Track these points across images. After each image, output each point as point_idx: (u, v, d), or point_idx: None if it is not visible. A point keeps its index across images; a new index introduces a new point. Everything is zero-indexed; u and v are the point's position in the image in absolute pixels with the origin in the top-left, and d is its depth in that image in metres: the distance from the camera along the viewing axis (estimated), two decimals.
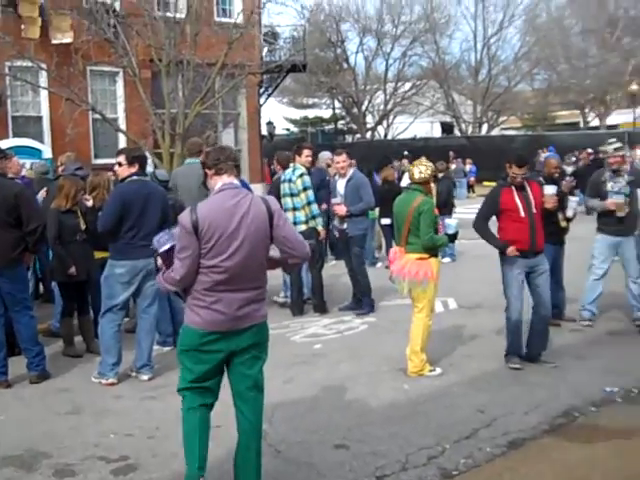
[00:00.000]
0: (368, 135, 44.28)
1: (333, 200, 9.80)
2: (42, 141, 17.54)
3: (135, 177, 7.11)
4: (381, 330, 8.94)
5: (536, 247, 7.18)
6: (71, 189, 8.06)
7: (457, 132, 46.28)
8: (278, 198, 9.60)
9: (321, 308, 9.84)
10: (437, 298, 9.62)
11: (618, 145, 8.80)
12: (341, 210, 9.62)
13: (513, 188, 7.17)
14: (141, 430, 5.85)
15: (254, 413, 4.58)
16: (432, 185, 7.27)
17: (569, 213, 8.42)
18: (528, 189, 7.19)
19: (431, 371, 7.09)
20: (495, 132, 46.98)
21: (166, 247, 4.47)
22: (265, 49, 22.51)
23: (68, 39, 17.69)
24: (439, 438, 5.52)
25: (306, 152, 9.73)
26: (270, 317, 9.56)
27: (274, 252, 4.59)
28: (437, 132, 50.55)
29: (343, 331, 9.03)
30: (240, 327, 4.45)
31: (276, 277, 10.82)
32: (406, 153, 25.59)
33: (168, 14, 16.80)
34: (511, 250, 7.09)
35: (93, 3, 16.38)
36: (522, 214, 7.10)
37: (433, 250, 7.04)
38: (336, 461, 5.18)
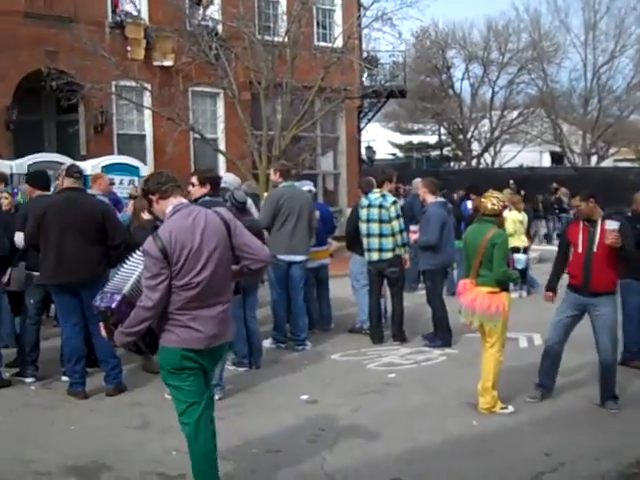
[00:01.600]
0: (474, 162, 43.76)
1: (412, 227, 9.72)
2: (144, 159, 17.84)
3: (207, 198, 7.13)
4: (460, 363, 8.68)
5: (590, 287, 6.80)
6: (137, 207, 8.43)
7: (567, 162, 45.11)
8: (356, 222, 9.56)
9: (400, 337, 9.65)
10: (522, 333, 9.44)
11: None
12: (413, 237, 9.68)
13: (580, 222, 6.95)
14: None
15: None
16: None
17: None
18: (599, 226, 6.83)
19: (503, 408, 6.83)
20: (606, 163, 45.52)
21: (117, 299, 4.52)
22: (365, 74, 22.54)
23: (169, 62, 18.11)
24: (501, 479, 5.32)
25: (395, 180, 9.84)
26: (350, 343, 9.62)
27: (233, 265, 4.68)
28: (546, 162, 49.43)
29: (420, 362, 8.84)
30: (215, 345, 4.54)
31: (354, 304, 10.73)
32: (511, 182, 25.09)
33: (267, 38, 17.12)
34: (546, 296, 7.27)
35: (196, 26, 16.88)
36: (579, 250, 6.88)
37: (505, 284, 6.84)
38: None
